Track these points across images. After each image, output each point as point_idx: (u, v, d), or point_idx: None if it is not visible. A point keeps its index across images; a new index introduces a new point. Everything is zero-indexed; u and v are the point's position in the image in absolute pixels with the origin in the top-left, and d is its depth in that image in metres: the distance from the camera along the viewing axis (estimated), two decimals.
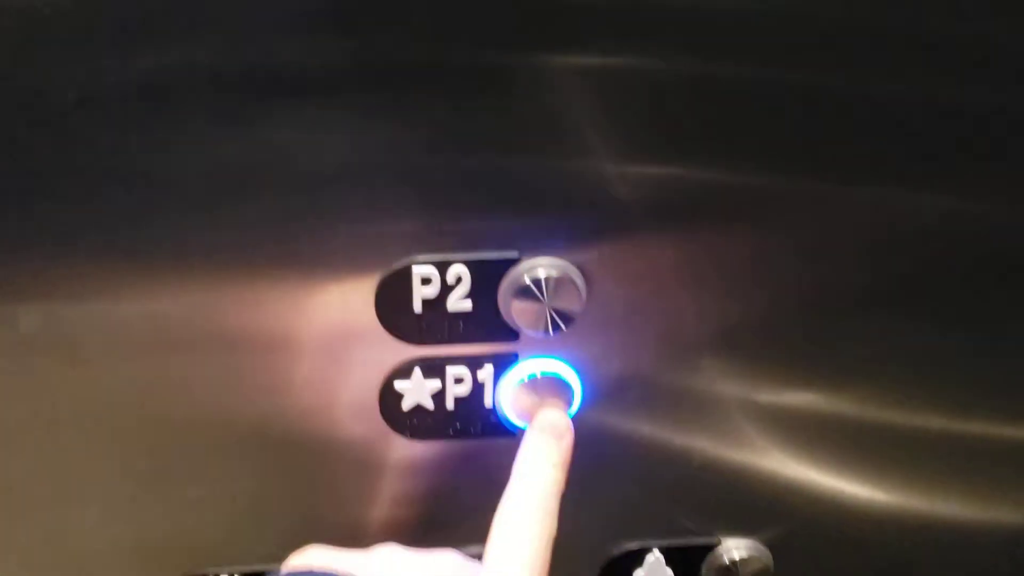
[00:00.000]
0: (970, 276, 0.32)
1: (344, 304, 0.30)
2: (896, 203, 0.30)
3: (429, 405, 0.32)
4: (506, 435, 0.33)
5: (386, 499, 0.34)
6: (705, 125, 0.28)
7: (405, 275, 0.30)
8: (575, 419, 0.32)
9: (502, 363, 0.31)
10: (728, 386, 0.33)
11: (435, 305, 0.30)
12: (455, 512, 0.34)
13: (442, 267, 0.29)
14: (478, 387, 0.32)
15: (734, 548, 0.35)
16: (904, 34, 0.28)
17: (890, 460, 0.35)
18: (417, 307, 0.30)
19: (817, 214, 0.30)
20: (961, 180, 0.30)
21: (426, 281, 0.30)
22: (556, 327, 0.30)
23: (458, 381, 0.31)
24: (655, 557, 0.35)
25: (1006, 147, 0.30)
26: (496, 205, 0.29)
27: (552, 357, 0.31)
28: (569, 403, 0.32)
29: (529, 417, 0.32)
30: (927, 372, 0.34)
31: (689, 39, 0.27)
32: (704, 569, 0.35)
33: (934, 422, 0.35)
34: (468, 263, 0.29)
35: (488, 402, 0.32)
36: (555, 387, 0.32)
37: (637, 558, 0.35)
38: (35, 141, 0.27)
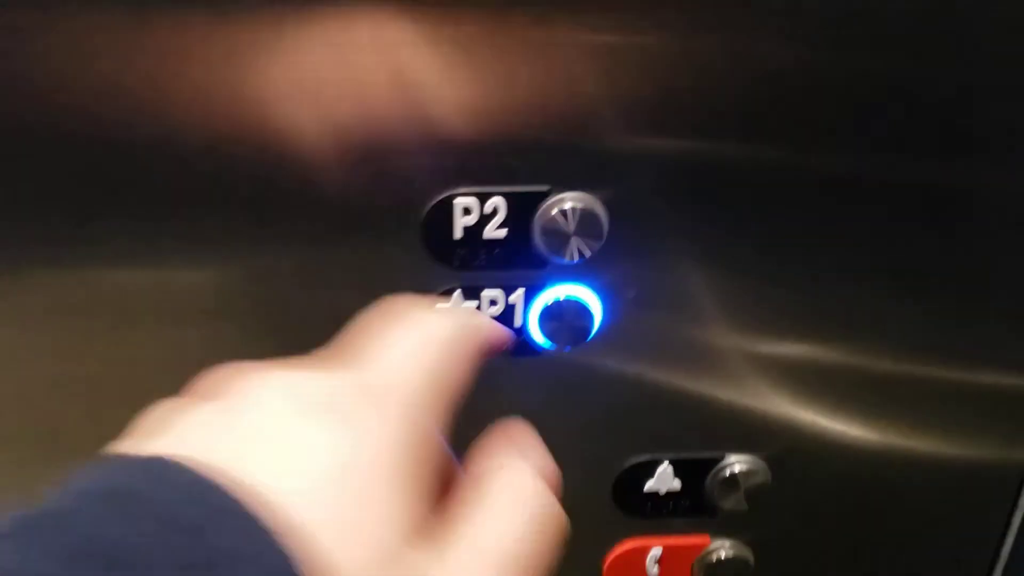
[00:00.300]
0: (951, 240, 0.36)
1: (393, 233, 0.34)
2: (888, 168, 0.34)
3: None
4: (532, 354, 0.36)
5: None
6: (721, 97, 0.32)
7: (448, 206, 0.33)
8: (597, 337, 0.36)
9: (532, 287, 0.35)
10: (732, 326, 0.37)
11: (474, 233, 0.34)
12: (481, 425, 0.38)
13: (481, 198, 0.33)
14: (509, 308, 0.35)
15: (737, 463, 0.39)
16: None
17: (874, 401, 0.39)
18: (458, 234, 0.34)
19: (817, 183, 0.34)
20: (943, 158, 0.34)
21: (467, 211, 0.33)
22: (580, 255, 0.34)
23: (492, 303, 0.35)
24: (664, 468, 0.39)
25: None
26: (531, 143, 0.33)
27: (577, 283, 0.35)
28: (590, 326, 0.36)
29: (556, 337, 0.36)
30: (909, 324, 0.37)
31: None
32: (708, 480, 0.39)
33: (915, 369, 0.38)
34: (504, 195, 0.33)
35: (518, 322, 0.36)
36: (577, 310, 0.35)
37: (648, 469, 0.39)
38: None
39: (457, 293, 0.35)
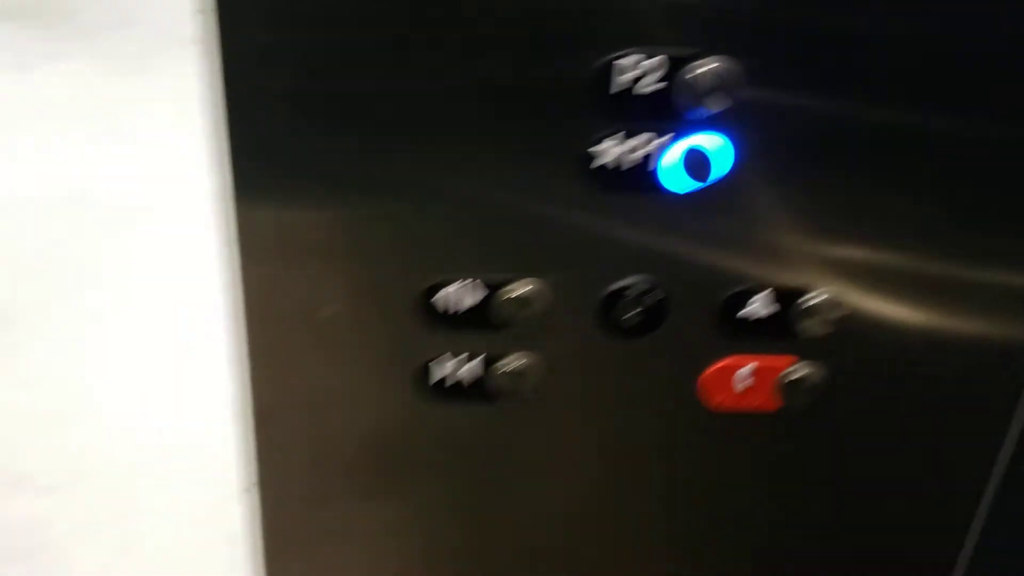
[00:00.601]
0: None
1: (558, 87, 0.43)
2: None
3: (614, 165, 0.44)
4: (664, 192, 0.45)
5: (572, 231, 0.47)
6: None
7: (608, 65, 0.42)
8: (720, 183, 0.44)
9: (675, 135, 0.44)
10: (820, 199, 0.46)
11: (631, 88, 0.42)
12: (623, 256, 0.48)
13: (638, 59, 0.42)
14: (650, 154, 0.44)
15: (823, 293, 0.48)
16: None
17: (919, 292, 0.48)
18: (615, 89, 0.43)
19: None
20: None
21: (625, 69, 0.42)
22: (714, 109, 0.42)
23: (640, 147, 0.44)
24: (762, 296, 0.48)
25: None
26: (686, 9, 0.41)
27: (712, 133, 0.44)
28: (714, 172, 0.44)
29: (689, 178, 0.44)
30: (953, 231, 0.46)
31: None
32: (796, 308, 0.48)
33: (956, 269, 0.47)
34: (659, 55, 0.42)
35: (652, 166, 0.45)
36: (704, 157, 0.44)
37: (747, 296, 0.48)
38: None
39: (610, 139, 0.44)
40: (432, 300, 0.48)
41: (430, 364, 0.50)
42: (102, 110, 2.14)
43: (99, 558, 1.21)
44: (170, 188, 1.86)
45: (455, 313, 0.48)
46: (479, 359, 0.50)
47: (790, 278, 0.48)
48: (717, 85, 0.42)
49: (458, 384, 0.50)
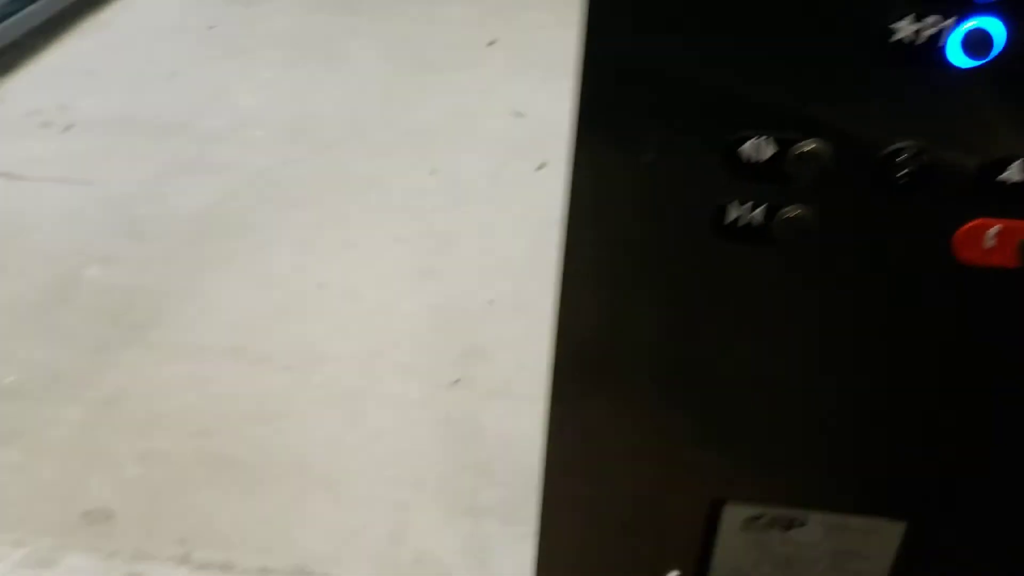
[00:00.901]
0: None
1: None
2: None
3: (908, 41, 0.55)
4: (946, 67, 0.55)
5: (862, 97, 0.57)
6: None
7: None
8: (999, 59, 0.54)
9: (961, 17, 0.54)
10: None
11: None
12: (900, 114, 0.58)
13: None
14: (940, 31, 0.54)
15: None
16: None
17: None
18: None
19: None
20: None
21: None
22: None
23: (931, 26, 0.54)
24: (1018, 163, 0.57)
25: None
26: None
27: (993, 17, 0.53)
28: (994, 48, 0.54)
29: (969, 54, 0.54)
30: None
31: None
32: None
33: None
34: None
35: (941, 42, 0.54)
36: (985, 35, 0.54)
37: (1005, 163, 0.58)
38: None
39: (907, 18, 0.54)
40: (739, 150, 0.59)
41: (727, 205, 0.61)
42: (322, 42, 2.35)
43: (331, 429, 1.38)
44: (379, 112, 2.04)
45: (755, 163, 0.59)
46: (765, 206, 0.61)
47: None
48: None
49: (748, 225, 0.62)
